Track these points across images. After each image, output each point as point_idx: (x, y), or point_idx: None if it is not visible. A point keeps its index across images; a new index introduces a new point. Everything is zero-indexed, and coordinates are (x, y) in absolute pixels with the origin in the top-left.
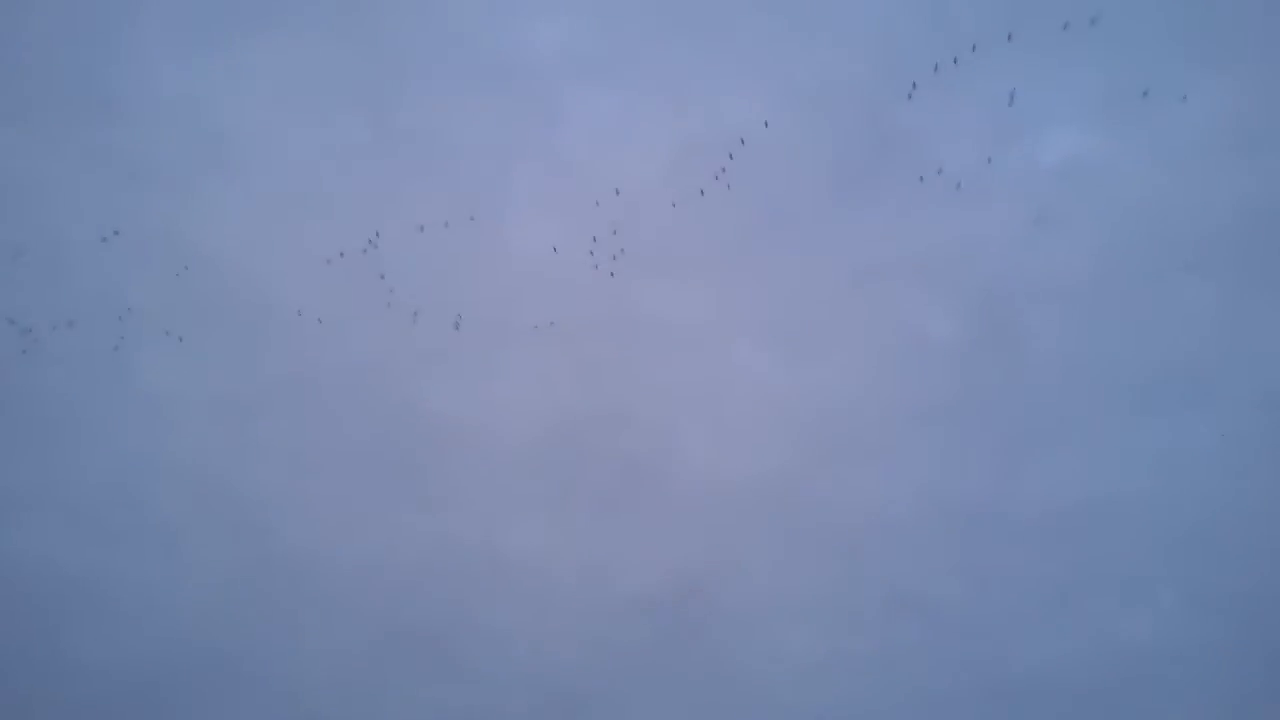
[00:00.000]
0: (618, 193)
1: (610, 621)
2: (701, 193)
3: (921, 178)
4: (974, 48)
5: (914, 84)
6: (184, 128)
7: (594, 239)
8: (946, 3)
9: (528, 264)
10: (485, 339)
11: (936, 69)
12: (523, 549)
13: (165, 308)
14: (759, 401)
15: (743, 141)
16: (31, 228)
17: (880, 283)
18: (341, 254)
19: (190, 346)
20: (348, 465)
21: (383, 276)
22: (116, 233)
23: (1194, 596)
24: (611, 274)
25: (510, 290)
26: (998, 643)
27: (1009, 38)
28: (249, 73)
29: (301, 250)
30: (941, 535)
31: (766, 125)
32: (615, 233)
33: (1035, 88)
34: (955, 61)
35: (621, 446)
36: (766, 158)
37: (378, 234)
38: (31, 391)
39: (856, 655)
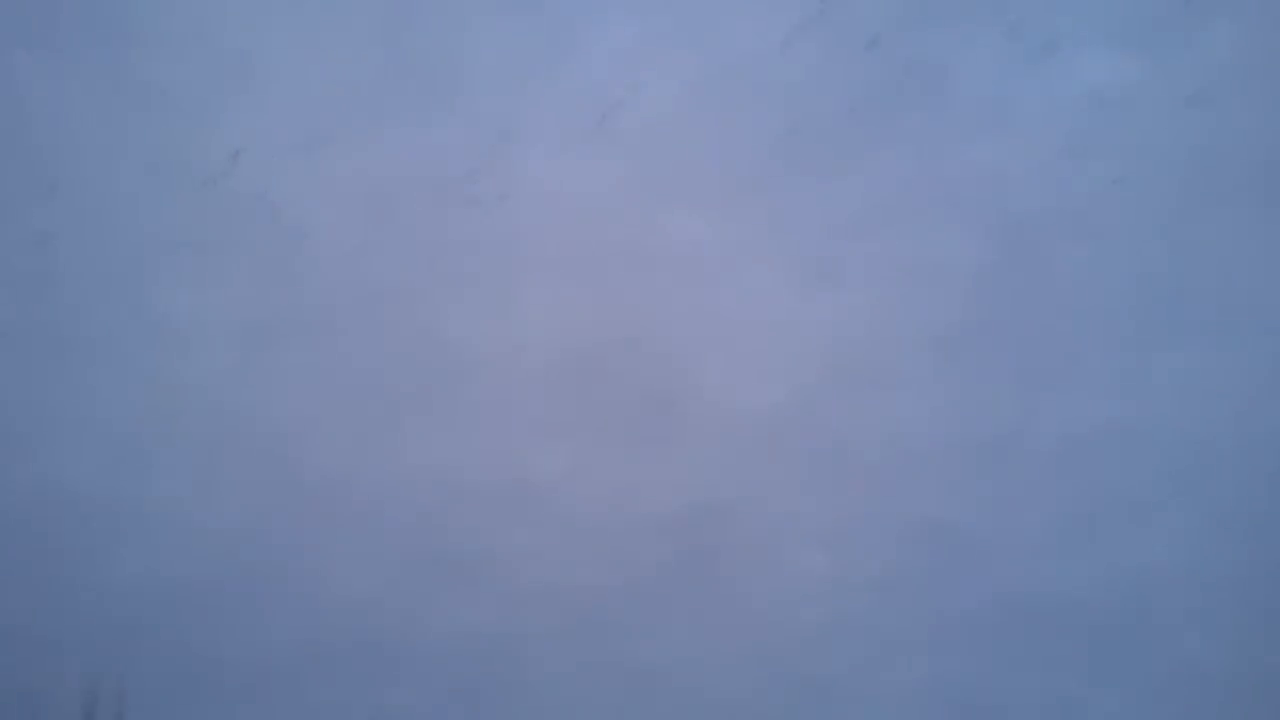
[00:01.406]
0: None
1: (630, 543)
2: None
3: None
4: None
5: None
6: (199, 49)
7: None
8: None
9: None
10: (498, 266)
11: None
12: (542, 474)
13: (180, 231)
14: (774, 328)
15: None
16: (56, 154)
17: (897, 208)
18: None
19: (207, 272)
20: (366, 393)
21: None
22: (126, 155)
23: (1205, 520)
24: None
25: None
26: (1012, 566)
27: None
28: None
29: (318, 175)
30: (958, 462)
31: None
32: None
33: (1049, 10)
34: None
35: (637, 373)
36: (776, 84)
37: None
38: (51, 316)
39: (871, 579)
